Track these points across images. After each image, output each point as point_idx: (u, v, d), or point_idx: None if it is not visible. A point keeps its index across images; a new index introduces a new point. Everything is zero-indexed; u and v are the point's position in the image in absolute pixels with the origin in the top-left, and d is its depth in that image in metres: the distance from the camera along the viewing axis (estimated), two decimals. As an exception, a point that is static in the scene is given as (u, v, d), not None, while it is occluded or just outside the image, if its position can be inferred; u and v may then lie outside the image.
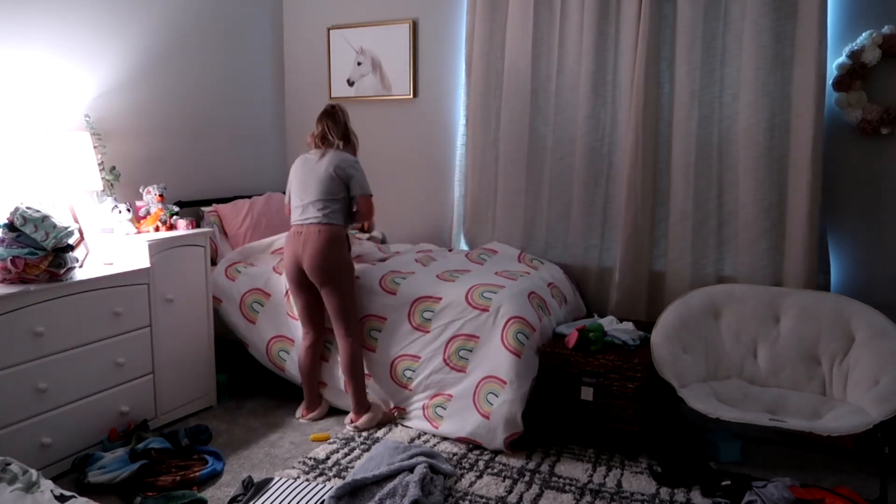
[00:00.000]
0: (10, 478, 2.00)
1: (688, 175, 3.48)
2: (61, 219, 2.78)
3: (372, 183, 4.37)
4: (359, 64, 4.42)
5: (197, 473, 2.69)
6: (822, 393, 2.91)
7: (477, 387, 3.02)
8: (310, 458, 2.91)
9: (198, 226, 3.63)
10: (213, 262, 3.73)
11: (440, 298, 3.17)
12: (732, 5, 3.34)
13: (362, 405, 3.23)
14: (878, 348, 2.77)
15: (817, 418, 2.70)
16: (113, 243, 3.13)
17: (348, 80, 4.47)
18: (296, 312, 3.35)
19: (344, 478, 2.72)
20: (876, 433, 2.56)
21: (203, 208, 3.96)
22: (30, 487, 1.98)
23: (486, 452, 2.98)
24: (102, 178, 3.25)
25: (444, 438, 3.10)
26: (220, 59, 4.22)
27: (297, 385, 3.47)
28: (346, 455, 2.95)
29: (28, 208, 2.70)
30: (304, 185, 3.15)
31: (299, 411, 3.37)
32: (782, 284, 3.30)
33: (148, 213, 3.37)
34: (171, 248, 3.20)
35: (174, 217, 3.38)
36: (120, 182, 3.41)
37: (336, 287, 3.13)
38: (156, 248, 3.11)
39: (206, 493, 2.62)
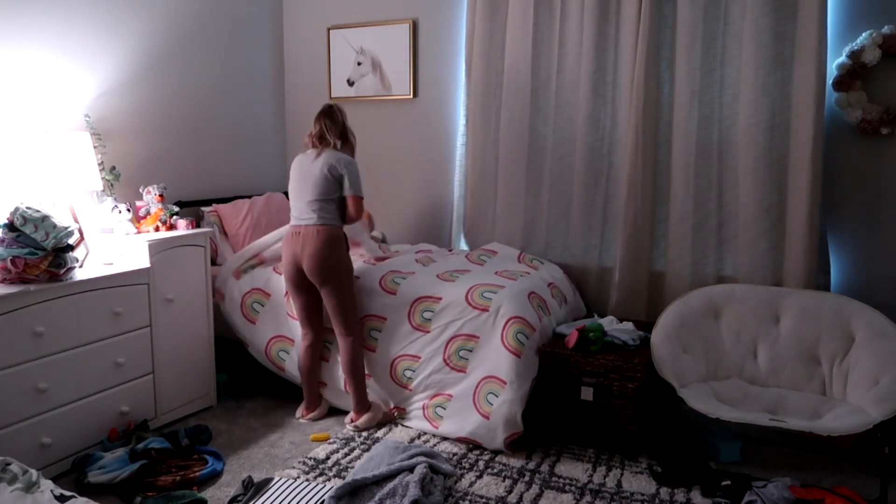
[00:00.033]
0: (10, 478, 2.00)
1: (688, 175, 3.48)
2: (61, 219, 2.78)
3: (372, 183, 4.40)
4: (359, 64, 4.42)
5: (197, 473, 2.69)
6: (822, 393, 2.91)
7: (477, 387, 3.02)
8: (310, 458, 2.91)
9: (198, 226, 3.63)
10: (214, 262, 3.73)
11: (440, 298, 3.17)
12: (732, 5, 3.34)
13: (363, 405, 3.23)
14: (878, 348, 2.77)
15: (817, 418, 2.70)
16: (113, 243, 3.13)
17: (348, 80, 4.47)
18: (295, 313, 3.35)
19: (344, 478, 2.72)
20: (876, 433, 2.56)
21: (203, 208, 3.96)
22: (30, 487, 1.98)
23: (486, 452, 2.98)
24: (102, 178, 3.25)
25: (444, 438, 3.10)
26: (220, 59, 4.22)
27: (297, 385, 3.47)
28: (346, 455, 2.95)
29: (28, 208, 2.70)
30: (300, 186, 3.16)
31: (299, 411, 3.37)
32: (782, 284, 3.30)
33: (148, 213, 3.37)
34: (171, 248, 3.20)
35: (174, 217, 3.38)
36: (120, 182, 3.41)
37: (335, 287, 3.13)
38: (156, 248, 3.11)
39: (206, 493, 2.62)
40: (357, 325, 3.23)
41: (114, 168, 3.38)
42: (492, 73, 3.94)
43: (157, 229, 3.30)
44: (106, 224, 3.21)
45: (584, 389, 2.97)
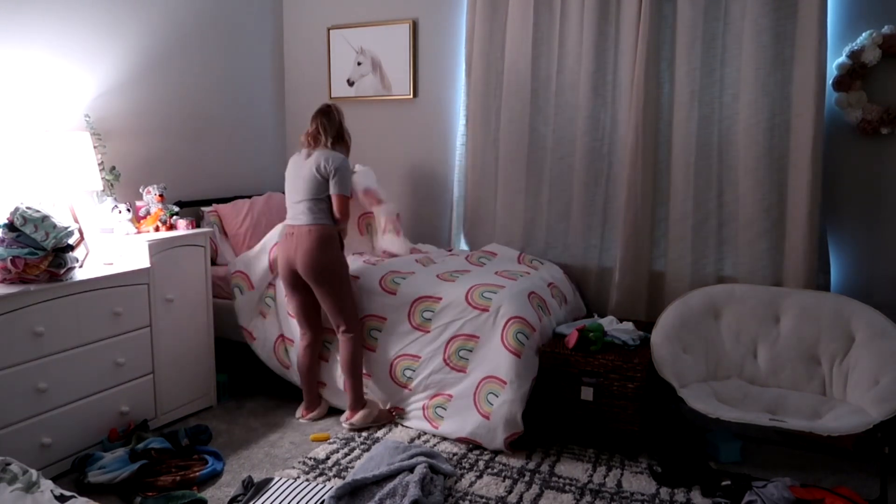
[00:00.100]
0: (10, 478, 2.00)
1: (688, 175, 3.48)
2: (61, 219, 2.78)
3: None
4: (359, 64, 4.42)
5: (197, 473, 2.69)
6: (822, 393, 2.91)
7: (477, 387, 3.02)
8: (310, 458, 2.91)
9: (198, 226, 3.63)
10: (214, 262, 3.73)
11: (440, 298, 3.17)
12: (732, 5, 3.34)
13: (358, 402, 3.23)
14: (878, 348, 2.77)
15: (817, 418, 2.70)
16: (113, 243, 3.13)
17: (348, 80, 4.47)
18: (293, 312, 3.35)
19: (344, 478, 2.72)
20: (876, 433, 2.56)
21: (203, 208, 3.96)
22: (30, 487, 1.98)
23: (486, 452, 2.98)
24: (102, 178, 3.25)
25: (444, 438, 3.10)
26: (220, 59, 4.22)
27: (297, 385, 3.47)
28: (346, 455, 2.95)
29: (28, 208, 2.70)
30: (293, 186, 3.16)
31: (299, 411, 3.37)
32: (782, 284, 3.30)
33: (148, 213, 3.37)
34: (171, 248, 3.20)
35: (174, 217, 3.38)
36: (120, 182, 3.41)
37: (331, 286, 3.13)
38: (156, 248, 3.11)
39: (206, 493, 2.62)
40: (356, 323, 3.23)
41: (114, 168, 3.38)
42: (492, 73, 3.94)
43: (157, 229, 3.30)
44: (106, 224, 3.21)
45: (584, 389, 2.97)
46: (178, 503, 2.49)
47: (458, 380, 3.09)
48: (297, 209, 3.13)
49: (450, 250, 4.06)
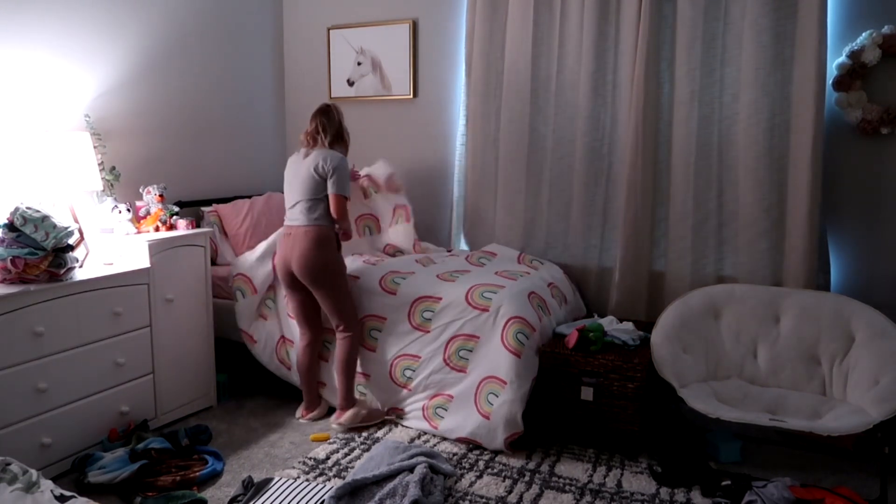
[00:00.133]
0: (10, 478, 2.00)
1: (688, 175, 3.48)
2: (61, 219, 2.78)
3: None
4: (359, 64, 4.42)
5: (197, 473, 2.69)
6: (822, 393, 2.91)
7: (478, 387, 3.02)
8: (310, 458, 2.91)
9: (198, 226, 3.63)
10: (214, 262, 3.73)
11: (440, 298, 3.17)
12: (732, 5, 3.34)
13: (348, 401, 3.23)
14: (878, 348, 2.77)
15: (817, 418, 2.70)
16: (113, 243, 3.13)
17: (348, 80, 4.47)
18: (292, 313, 3.35)
19: (344, 478, 2.72)
20: (876, 433, 2.56)
21: (203, 208, 3.96)
22: (30, 487, 1.98)
23: (486, 452, 2.98)
24: (102, 178, 3.25)
25: (444, 438, 3.10)
26: (220, 59, 4.22)
27: (297, 386, 3.47)
28: (346, 455, 2.95)
29: (28, 208, 2.70)
30: (291, 186, 3.16)
31: (299, 411, 3.37)
32: (782, 284, 3.30)
33: (148, 213, 3.37)
34: (171, 248, 3.20)
35: (174, 217, 3.38)
36: (120, 182, 3.41)
37: (327, 288, 3.12)
38: (156, 248, 3.11)
39: (206, 493, 2.62)
40: (355, 323, 3.23)
41: (114, 168, 3.38)
42: (492, 73, 3.94)
43: (157, 229, 3.30)
44: (106, 224, 3.21)
45: (584, 389, 2.97)
46: (178, 503, 2.49)
47: (459, 380, 3.09)
48: (294, 210, 3.13)
49: (449, 250, 4.06)
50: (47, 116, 3.18)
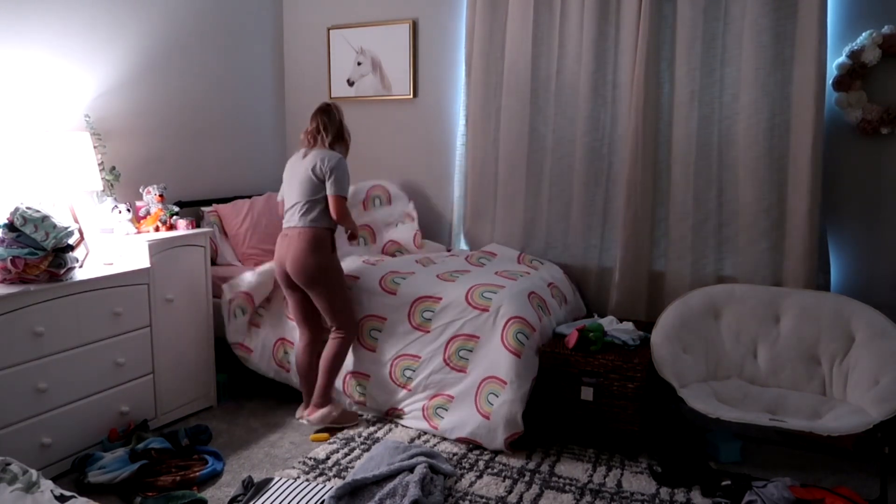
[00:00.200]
0: (10, 478, 2.00)
1: (688, 175, 3.48)
2: (61, 219, 2.78)
3: (371, 183, 4.39)
4: (359, 64, 4.42)
5: (197, 473, 2.69)
6: (822, 393, 2.91)
7: (478, 387, 3.02)
8: (310, 458, 2.91)
9: (198, 226, 3.63)
10: (214, 262, 3.73)
11: (440, 298, 3.17)
12: (732, 5, 3.34)
13: (323, 399, 3.21)
14: (878, 348, 2.77)
15: (817, 418, 2.70)
16: (113, 243, 3.13)
17: (348, 80, 4.47)
18: (291, 313, 3.35)
19: (344, 478, 2.72)
20: (876, 433, 2.56)
21: (203, 208, 3.96)
22: (30, 487, 1.98)
23: (486, 452, 2.98)
24: (102, 178, 3.25)
25: (444, 438, 3.10)
26: (221, 58, 4.22)
27: (297, 388, 3.46)
28: (346, 455, 2.95)
29: (28, 208, 2.70)
30: (290, 187, 3.15)
31: (299, 411, 3.37)
32: (782, 284, 3.30)
33: (148, 213, 3.37)
34: (171, 248, 3.20)
35: (174, 217, 3.38)
36: (120, 182, 3.41)
37: (321, 289, 3.11)
38: (156, 248, 3.11)
39: (206, 493, 2.62)
40: (350, 324, 3.21)
41: (114, 168, 3.38)
42: (492, 73, 3.94)
43: (157, 229, 3.30)
44: (106, 224, 3.21)
45: (584, 389, 2.97)
46: (178, 503, 2.49)
47: (459, 380, 3.09)
48: (292, 211, 3.11)
49: (448, 250, 4.06)
50: (47, 116, 3.18)
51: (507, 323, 3.01)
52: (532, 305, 3.14)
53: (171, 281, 3.20)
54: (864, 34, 3.14)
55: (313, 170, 3.05)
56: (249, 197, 4.20)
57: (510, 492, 2.65)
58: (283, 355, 3.50)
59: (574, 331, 3.06)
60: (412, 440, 3.09)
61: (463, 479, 2.74)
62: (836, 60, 3.19)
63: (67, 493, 1.97)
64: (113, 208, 3.21)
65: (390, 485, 2.49)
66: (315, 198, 3.06)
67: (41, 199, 2.97)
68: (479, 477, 2.76)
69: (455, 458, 2.92)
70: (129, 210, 3.22)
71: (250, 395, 3.64)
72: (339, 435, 3.15)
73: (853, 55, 3.14)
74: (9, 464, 2.06)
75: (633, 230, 3.59)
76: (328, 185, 3.04)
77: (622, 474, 2.79)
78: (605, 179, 3.72)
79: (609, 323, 3.26)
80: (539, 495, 2.63)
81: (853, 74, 3.15)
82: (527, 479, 2.75)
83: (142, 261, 3.06)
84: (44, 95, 3.17)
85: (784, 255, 3.32)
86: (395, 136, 4.39)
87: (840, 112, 3.23)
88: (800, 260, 3.24)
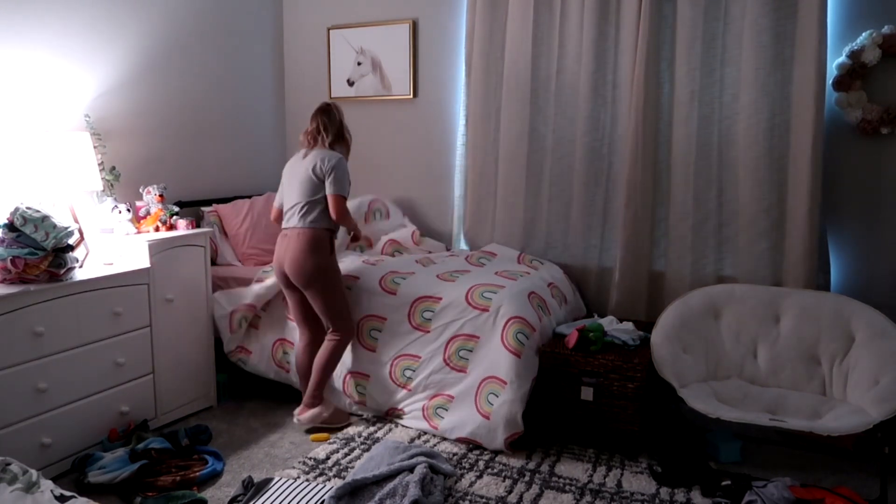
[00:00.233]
0: (10, 478, 2.00)
1: (688, 175, 3.48)
2: (61, 219, 2.78)
3: (372, 183, 4.40)
4: (359, 64, 4.42)
5: (197, 473, 2.69)
6: (822, 393, 2.91)
7: (478, 387, 3.02)
8: (310, 458, 2.91)
9: (198, 226, 3.63)
10: (214, 262, 3.73)
11: (440, 298, 3.17)
12: (732, 5, 3.34)
13: (315, 399, 3.20)
14: (878, 348, 2.77)
15: (817, 418, 2.70)
16: (113, 243, 3.13)
17: (348, 80, 4.47)
18: (290, 313, 3.35)
19: (344, 478, 2.72)
20: (876, 433, 2.56)
21: (203, 208, 3.96)
22: (30, 487, 1.98)
23: (486, 452, 2.98)
24: (102, 178, 3.25)
25: (444, 438, 3.10)
26: (221, 58, 4.22)
27: (297, 388, 3.46)
28: (346, 455, 2.95)
29: (28, 208, 2.70)
30: (290, 188, 3.14)
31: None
32: (782, 284, 3.30)
33: (148, 213, 3.37)
34: (171, 248, 3.20)
35: (174, 217, 3.38)
36: (120, 182, 3.41)
37: (318, 290, 3.10)
38: (156, 248, 3.11)
39: (206, 493, 2.62)
40: (347, 327, 3.21)
41: (114, 168, 3.38)
42: (492, 73, 3.94)
43: (157, 229, 3.30)
44: (106, 224, 3.21)
45: (584, 389, 2.97)
46: (178, 503, 2.49)
47: (459, 380, 3.09)
48: (291, 212, 3.10)
49: (448, 250, 4.06)
50: (47, 116, 3.18)
51: (507, 323, 3.01)
52: (532, 305, 3.14)
53: (171, 281, 3.20)
54: (864, 34, 3.14)
55: (314, 169, 3.05)
56: (249, 197, 4.20)
57: (510, 492, 2.65)
58: (282, 356, 3.50)
59: (574, 331, 3.06)
60: (412, 440, 3.09)
61: (463, 479, 2.74)
62: (836, 60, 3.20)
63: (67, 493, 1.97)
64: (113, 208, 3.21)
65: (390, 485, 2.49)
66: (315, 198, 3.06)
67: (41, 199, 2.97)
68: (479, 477, 2.76)
69: (455, 458, 2.92)
70: (129, 210, 3.22)
71: (250, 395, 3.64)
72: (339, 435, 3.15)
73: (853, 55, 3.14)
74: (9, 464, 2.06)
75: (633, 230, 3.59)
76: (328, 184, 3.04)
77: (622, 474, 2.79)
78: (605, 179, 3.72)
79: (609, 323, 3.26)
80: (539, 495, 2.63)
81: (853, 74, 3.16)
82: (527, 479, 2.75)
83: (142, 261, 3.06)
84: (44, 95, 3.17)
85: (784, 255, 3.32)
86: (395, 136, 4.39)
87: (840, 112, 3.23)
88: (800, 260, 3.24)
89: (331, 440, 3.10)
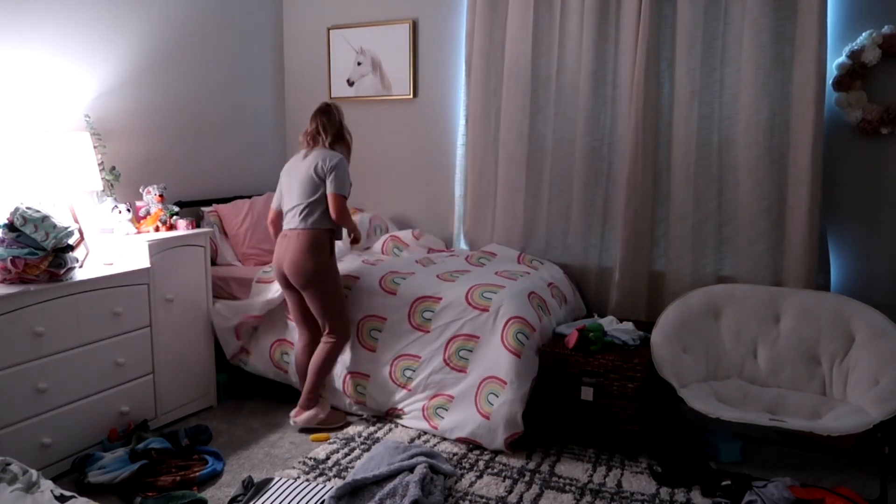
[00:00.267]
0: (10, 478, 2.00)
1: (688, 175, 3.48)
2: (61, 219, 2.78)
3: (371, 183, 4.41)
4: (359, 64, 4.42)
5: (197, 473, 2.69)
6: (822, 393, 2.91)
7: (478, 387, 3.02)
8: (310, 458, 2.91)
9: (198, 226, 3.63)
10: (214, 262, 3.73)
11: (440, 298, 3.17)
12: (732, 5, 3.34)
13: (310, 402, 3.21)
14: (878, 348, 2.77)
15: (817, 418, 2.70)
16: (113, 243, 3.13)
17: (348, 80, 4.47)
18: (290, 313, 3.35)
19: (344, 478, 2.72)
20: (876, 433, 2.56)
21: (203, 208, 3.96)
22: (30, 487, 1.98)
23: (486, 452, 2.98)
24: (102, 178, 3.25)
25: (444, 438, 3.10)
26: (220, 58, 4.22)
27: (297, 388, 3.46)
28: (346, 455, 2.95)
29: (28, 208, 2.70)
30: (290, 189, 3.13)
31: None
32: (782, 284, 3.30)
33: (148, 213, 3.37)
34: (171, 248, 3.20)
35: (174, 217, 3.38)
36: (120, 182, 3.41)
37: (316, 292, 3.09)
38: (156, 248, 3.11)
39: (206, 493, 2.62)
40: (343, 329, 3.20)
41: (114, 168, 3.38)
42: (492, 73, 3.94)
43: (157, 229, 3.30)
44: (106, 224, 3.21)
45: (584, 389, 2.97)
46: (178, 503, 2.49)
47: (459, 380, 3.09)
48: (292, 213, 3.09)
49: (450, 250, 4.06)
50: (47, 116, 3.18)
51: (507, 323, 3.01)
52: (532, 305, 3.14)
53: (171, 281, 3.20)
54: (864, 34, 3.14)
55: (315, 169, 3.04)
56: (249, 197, 4.20)
57: (510, 492, 2.65)
58: (280, 356, 3.50)
59: (574, 331, 3.06)
60: (412, 440, 3.09)
61: (463, 479, 2.74)
62: (836, 60, 3.20)
63: (67, 493, 1.97)
64: (113, 208, 3.21)
65: (390, 485, 2.49)
66: (316, 199, 3.05)
67: (41, 199, 2.97)
68: (479, 477, 2.76)
69: (455, 458, 2.92)
70: (129, 210, 3.22)
71: (250, 395, 3.64)
72: (339, 435, 3.15)
73: (853, 55, 3.14)
74: (9, 464, 2.06)
75: (633, 230, 3.59)
76: (328, 183, 3.03)
77: (622, 474, 2.79)
78: (605, 179, 3.72)
79: (609, 323, 3.26)
80: (539, 495, 2.63)
81: (853, 74, 3.16)
82: (527, 479, 2.75)
83: (142, 261, 3.06)
84: (44, 95, 3.17)
85: (784, 255, 3.32)
86: (395, 136, 4.39)
87: (840, 112, 3.23)
88: (800, 260, 3.24)
89: (331, 440, 3.10)
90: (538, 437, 3.08)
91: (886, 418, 2.53)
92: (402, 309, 3.23)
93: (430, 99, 4.28)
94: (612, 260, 3.72)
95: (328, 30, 4.50)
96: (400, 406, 3.26)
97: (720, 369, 3.07)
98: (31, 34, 3.11)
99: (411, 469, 2.60)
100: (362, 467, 2.68)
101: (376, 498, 2.42)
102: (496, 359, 2.99)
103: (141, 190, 3.42)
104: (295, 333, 3.41)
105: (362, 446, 3.03)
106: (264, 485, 2.56)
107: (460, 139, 4.14)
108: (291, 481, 2.61)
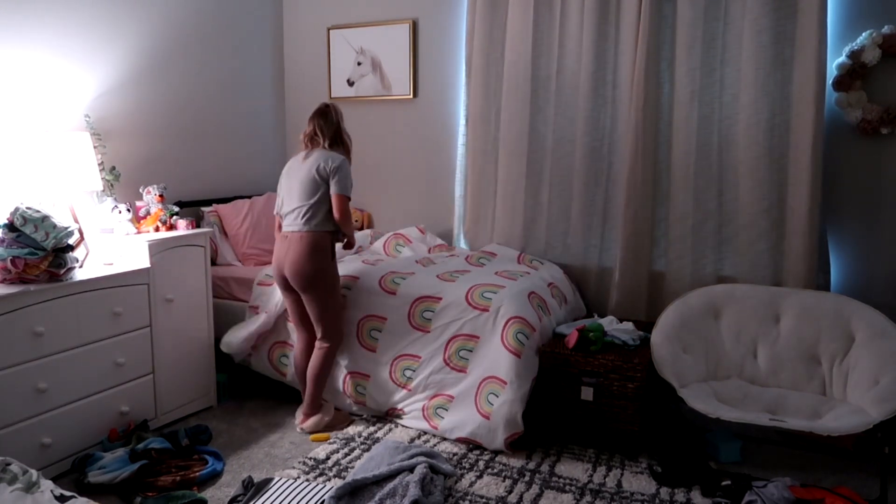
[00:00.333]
0: (10, 478, 2.00)
1: (688, 175, 3.48)
2: (61, 219, 2.78)
3: (371, 183, 4.41)
4: (359, 64, 4.42)
5: (197, 473, 2.69)
6: (822, 393, 2.91)
7: (478, 387, 3.02)
8: (310, 458, 2.91)
9: (198, 226, 3.63)
10: (214, 262, 3.73)
11: (440, 298, 3.17)
12: (732, 5, 3.34)
13: (313, 408, 3.21)
14: (878, 348, 2.77)
15: (817, 418, 2.70)
16: (113, 243, 3.13)
17: (348, 80, 4.47)
18: (289, 315, 3.35)
19: (344, 478, 2.72)
20: (876, 433, 2.56)
21: (203, 208, 3.96)
22: (30, 487, 1.98)
23: (486, 452, 2.98)
24: (102, 178, 3.25)
25: (444, 438, 3.10)
26: (220, 58, 4.22)
27: (297, 388, 3.46)
28: (346, 455, 2.95)
29: (28, 208, 2.70)
30: (290, 190, 3.11)
31: (298, 414, 3.36)
32: (782, 284, 3.30)
33: (148, 213, 3.37)
34: (171, 248, 3.20)
35: (174, 217, 3.38)
36: (120, 182, 3.41)
37: (315, 294, 3.09)
38: (156, 248, 3.11)
39: (206, 493, 2.62)
40: (336, 335, 3.19)
41: (114, 168, 3.38)
42: (492, 73, 3.94)
43: (157, 229, 3.30)
44: (106, 224, 3.21)
45: (584, 389, 2.97)
46: (178, 503, 2.49)
47: (459, 380, 3.09)
48: (292, 215, 3.07)
49: (451, 250, 4.06)
50: (47, 116, 3.18)
51: (507, 323, 3.01)
52: (532, 305, 3.14)
53: (171, 281, 3.20)
54: (864, 34, 3.14)
55: (317, 170, 3.02)
56: (249, 197, 4.20)
57: (510, 492, 2.65)
58: (279, 359, 3.50)
59: (574, 331, 3.06)
60: (412, 440, 3.09)
61: (463, 479, 2.74)
62: (836, 60, 3.20)
63: (67, 493, 1.97)
64: (113, 208, 3.21)
65: (390, 485, 2.49)
66: (317, 200, 3.03)
67: (41, 199, 2.97)
68: (479, 477, 2.76)
69: (455, 458, 2.92)
70: (129, 210, 3.22)
71: (250, 395, 3.64)
72: (339, 435, 3.15)
73: (853, 55, 3.14)
74: (9, 464, 2.06)
75: (633, 230, 3.59)
76: (332, 183, 3.01)
77: (622, 474, 2.79)
78: (605, 179, 3.72)
79: (609, 323, 3.26)
80: (539, 495, 2.63)
81: (853, 74, 3.16)
82: (527, 479, 2.75)
83: (142, 261, 3.06)
84: (44, 95, 3.17)
85: (784, 255, 3.32)
86: (395, 136, 4.39)
87: (840, 112, 3.23)
88: (800, 260, 3.24)
89: (331, 440, 3.10)
90: (538, 437, 3.08)
91: (886, 418, 2.53)
92: (402, 309, 3.23)
93: (430, 99, 4.28)
94: (612, 260, 3.72)
95: (328, 30, 4.50)
96: (400, 406, 3.26)
97: (720, 369, 3.07)
98: (31, 34, 3.11)
99: (411, 469, 2.60)
100: (362, 467, 2.68)
101: (376, 498, 2.42)
102: (496, 359, 2.99)
103: (141, 190, 3.42)
104: (293, 336, 3.40)
105: (362, 446, 3.03)
106: (264, 485, 2.56)
107: (460, 139, 4.14)
108: (291, 481, 2.61)
